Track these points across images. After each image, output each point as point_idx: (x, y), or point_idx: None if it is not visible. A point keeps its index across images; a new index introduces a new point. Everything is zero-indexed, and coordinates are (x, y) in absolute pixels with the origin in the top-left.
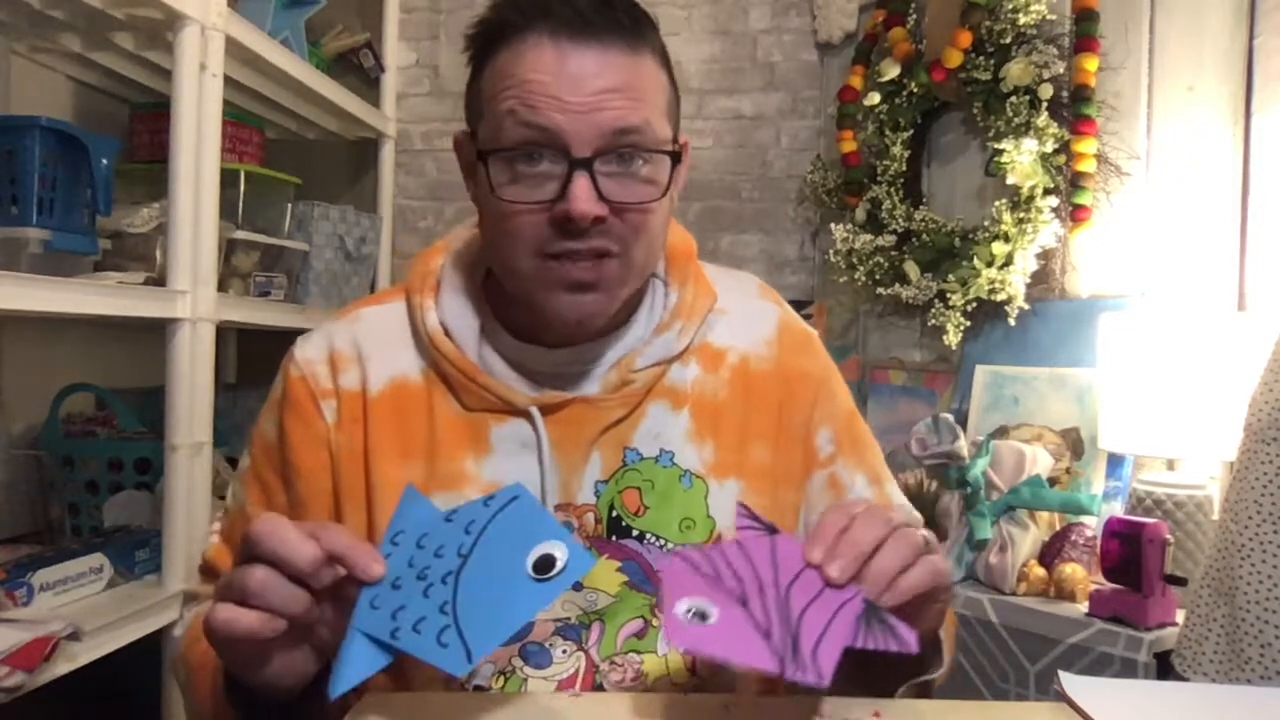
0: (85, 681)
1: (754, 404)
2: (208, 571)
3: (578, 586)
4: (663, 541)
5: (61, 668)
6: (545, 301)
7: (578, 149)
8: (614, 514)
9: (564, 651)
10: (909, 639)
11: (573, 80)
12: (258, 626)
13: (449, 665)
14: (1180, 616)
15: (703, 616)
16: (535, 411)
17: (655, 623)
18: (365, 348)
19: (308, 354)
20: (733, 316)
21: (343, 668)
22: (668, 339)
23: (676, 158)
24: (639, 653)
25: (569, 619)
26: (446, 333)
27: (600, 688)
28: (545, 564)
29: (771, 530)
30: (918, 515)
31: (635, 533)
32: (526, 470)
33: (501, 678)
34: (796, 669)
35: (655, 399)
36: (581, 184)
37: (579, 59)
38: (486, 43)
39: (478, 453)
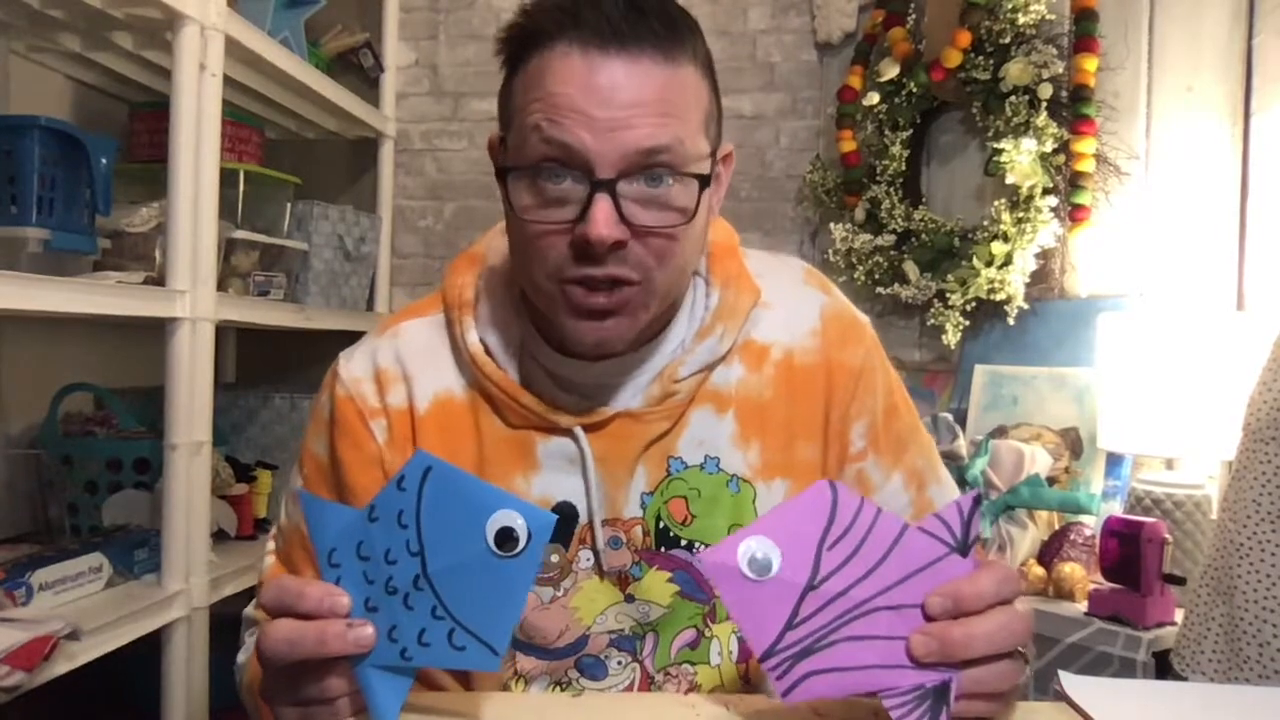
0: (85, 681)
1: (799, 400)
2: None
3: (629, 598)
4: None
5: (61, 667)
6: (563, 325)
7: (601, 169)
8: (661, 525)
9: (619, 663)
10: None
11: (600, 94)
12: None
13: (478, 664)
14: (1179, 616)
15: (758, 569)
16: (579, 431)
17: (708, 633)
18: (409, 364)
19: (353, 372)
20: (776, 309)
21: (375, 707)
22: (710, 344)
23: (706, 181)
24: (692, 663)
25: (623, 630)
26: (487, 350)
27: None
28: (505, 536)
29: (961, 552)
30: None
31: (684, 542)
32: (573, 487)
33: (558, 689)
34: (775, 668)
35: (699, 405)
36: (602, 206)
37: (608, 71)
38: (517, 49)
39: (527, 470)
